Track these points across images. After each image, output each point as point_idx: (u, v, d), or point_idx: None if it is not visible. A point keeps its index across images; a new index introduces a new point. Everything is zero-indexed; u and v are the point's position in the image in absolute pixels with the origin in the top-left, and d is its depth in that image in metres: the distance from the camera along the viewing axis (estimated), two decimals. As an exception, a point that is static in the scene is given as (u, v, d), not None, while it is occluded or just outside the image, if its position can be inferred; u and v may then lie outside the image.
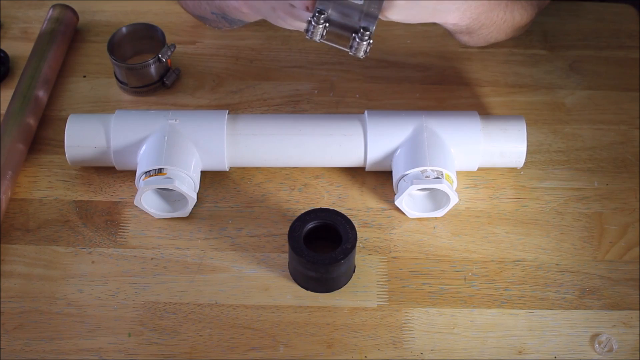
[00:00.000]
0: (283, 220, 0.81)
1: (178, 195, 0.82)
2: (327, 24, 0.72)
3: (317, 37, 0.73)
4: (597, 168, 0.88)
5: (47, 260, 0.79)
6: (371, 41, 0.72)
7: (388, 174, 0.84)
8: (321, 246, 0.77)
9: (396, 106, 0.93)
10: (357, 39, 0.72)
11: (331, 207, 0.77)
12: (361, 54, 0.73)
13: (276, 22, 0.78)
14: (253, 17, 0.84)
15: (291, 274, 0.78)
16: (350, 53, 0.74)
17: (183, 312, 0.76)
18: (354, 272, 0.79)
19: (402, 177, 0.81)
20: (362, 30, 0.71)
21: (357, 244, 0.75)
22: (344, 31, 0.73)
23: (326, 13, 0.71)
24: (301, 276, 0.77)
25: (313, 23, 0.71)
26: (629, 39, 1.01)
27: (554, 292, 0.78)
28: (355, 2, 0.71)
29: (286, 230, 0.76)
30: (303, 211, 0.77)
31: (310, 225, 0.76)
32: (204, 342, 0.74)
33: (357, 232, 0.76)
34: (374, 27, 0.72)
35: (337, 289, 0.78)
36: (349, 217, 0.77)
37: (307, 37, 0.72)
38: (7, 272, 0.78)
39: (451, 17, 0.79)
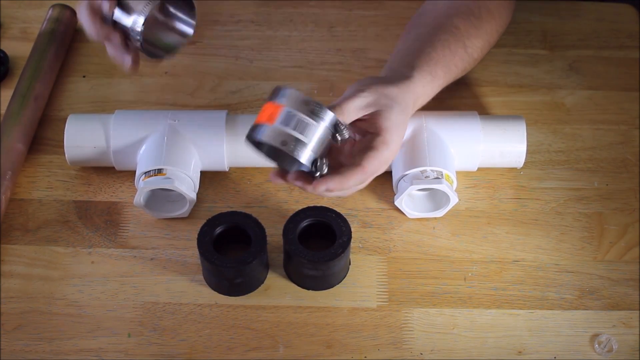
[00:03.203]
0: (282, 220, 0.81)
1: (177, 195, 0.82)
2: None
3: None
4: (597, 168, 0.88)
5: (46, 260, 0.79)
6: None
7: (388, 174, 0.84)
8: (313, 244, 0.77)
9: (396, 106, 0.93)
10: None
11: (331, 207, 0.77)
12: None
13: None
14: None
15: (288, 274, 0.78)
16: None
17: (182, 313, 0.76)
18: (350, 264, 0.79)
19: (402, 177, 0.81)
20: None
21: (357, 244, 0.75)
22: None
23: None
24: (301, 276, 0.77)
25: None
26: (629, 39, 1.01)
27: (553, 293, 0.78)
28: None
29: (286, 230, 0.76)
30: (302, 212, 0.77)
31: (303, 224, 0.76)
32: (203, 342, 0.74)
33: (357, 233, 0.76)
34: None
35: (337, 284, 0.77)
36: (349, 217, 0.76)
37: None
38: (6, 272, 0.78)
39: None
